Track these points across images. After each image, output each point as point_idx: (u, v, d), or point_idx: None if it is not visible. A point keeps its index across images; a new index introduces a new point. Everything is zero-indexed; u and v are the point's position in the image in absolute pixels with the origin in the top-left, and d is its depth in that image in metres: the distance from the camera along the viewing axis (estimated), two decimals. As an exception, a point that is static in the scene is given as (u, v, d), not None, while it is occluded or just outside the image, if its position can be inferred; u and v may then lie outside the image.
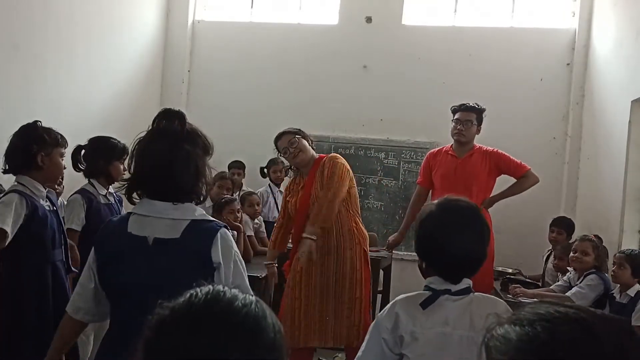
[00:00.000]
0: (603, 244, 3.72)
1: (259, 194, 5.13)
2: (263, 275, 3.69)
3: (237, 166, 5.40)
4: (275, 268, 3.58)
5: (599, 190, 4.66)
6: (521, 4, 5.64)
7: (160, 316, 0.86)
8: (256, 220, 4.77)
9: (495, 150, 4.05)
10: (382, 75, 5.68)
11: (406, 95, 5.59)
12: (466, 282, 1.65)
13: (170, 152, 1.61)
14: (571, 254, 3.64)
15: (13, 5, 4.07)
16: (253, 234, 4.61)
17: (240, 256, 1.67)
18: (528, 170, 4.01)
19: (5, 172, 2.56)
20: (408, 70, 5.61)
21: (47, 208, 2.51)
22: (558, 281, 3.92)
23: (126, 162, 3.19)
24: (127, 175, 3.21)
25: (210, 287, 0.90)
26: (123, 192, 1.68)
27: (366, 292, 3.33)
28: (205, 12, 6.25)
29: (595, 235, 3.75)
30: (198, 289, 0.89)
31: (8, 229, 2.31)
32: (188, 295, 0.88)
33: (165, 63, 6.13)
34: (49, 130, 2.55)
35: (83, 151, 3.13)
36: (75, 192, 3.14)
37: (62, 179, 3.46)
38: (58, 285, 2.52)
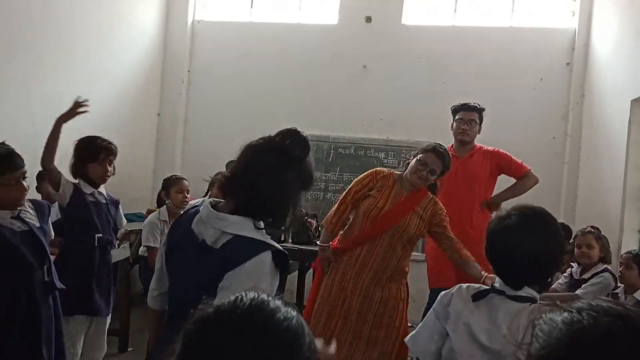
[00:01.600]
0: (602, 233, 3.72)
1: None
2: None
3: None
4: (331, 252, 3.23)
5: (599, 190, 4.66)
6: (521, 3, 5.63)
7: (204, 313, 0.87)
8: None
9: (496, 150, 4.05)
10: (382, 75, 5.68)
11: (406, 95, 5.59)
12: (527, 291, 1.63)
13: (274, 173, 1.59)
14: (576, 250, 3.63)
15: (12, 5, 4.07)
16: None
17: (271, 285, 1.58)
18: (528, 170, 4.00)
19: None
20: (408, 70, 5.61)
21: (17, 229, 2.41)
22: (558, 279, 3.92)
23: (112, 162, 3.14)
24: (110, 175, 3.20)
25: (256, 293, 0.91)
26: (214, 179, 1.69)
27: (405, 323, 3.19)
28: (205, 12, 6.24)
29: (592, 227, 3.75)
30: (243, 293, 0.90)
31: None
32: (234, 298, 0.89)
33: (165, 63, 6.13)
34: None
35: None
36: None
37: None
38: (32, 313, 2.42)
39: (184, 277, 1.60)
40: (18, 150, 2.48)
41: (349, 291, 3.12)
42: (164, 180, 4.39)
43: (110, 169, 3.19)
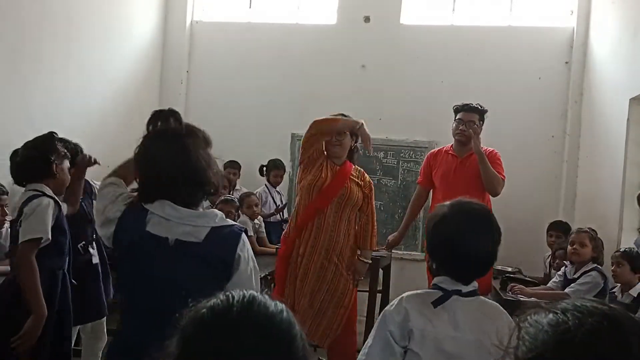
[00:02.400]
0: (598, 236, 3.73)
1: (257, 194, 5.15)
2: (262, 275, 3.69)
3: (233, 166, 5.42)
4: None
5: (598, 188, 4.67)
6: (519, 2, 5.64)
7: (200, 314, 0.88)
8: (256, 221, 4.78)
9: (493, 150, 4.06)
10: (381, 74, 5.68)
11: (405, 94, 5.59)
12: (474, 285, 1.67)
13: (176, 149, 1.63)
14: (569, 247, 3.65)
15: (12, 6, 4.07)
16: (253, 235, 4.61)
17: (255, 263, 1.70)
18: (502, 178, 3.95)
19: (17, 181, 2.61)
20: (406, 69, 5.61)
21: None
22: (553, 277, 3.93)
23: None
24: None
25: (244, 291, 0.91)
26: (134, 200, 1.69)
27: (354, 303, 3.45)
28: (204, 13, 6.25)
29: (590, 228, 3.76)
30: (232, 292, 0.91)
31: (49, 236, 2.38)
32: (225, 297, 0.90)
33: (163, 64, 6.13)
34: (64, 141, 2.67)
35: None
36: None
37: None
38: (63, 291, 2.56)
39: (160, 277, 1.60)
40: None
41: (303, 267, 3.35)
42: None
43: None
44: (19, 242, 2.39)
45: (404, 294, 1.70)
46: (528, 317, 0.84)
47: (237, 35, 6.06)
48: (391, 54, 5.66)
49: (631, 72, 4.10)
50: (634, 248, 3.43)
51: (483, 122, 4.08)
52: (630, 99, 4.04)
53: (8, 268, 2.74)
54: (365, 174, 3.56)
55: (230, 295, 0.90)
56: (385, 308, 1.70)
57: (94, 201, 3.19)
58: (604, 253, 3.69)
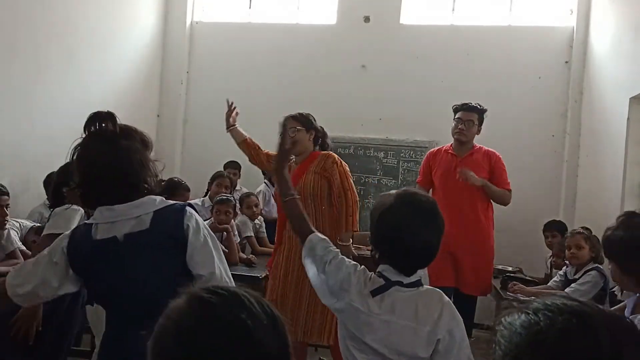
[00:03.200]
0: (593, 234, 3.72)
1: (260, 193, 5.15)
2: (263, 276, 3.69)
3: (233, 166, 5.43)
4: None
5: (598, 188, 4.66)
6: (519, 2, 5.64)
7: (176, 323, 0.86)
8: (257, 221, 4.78)
9: (496, 153, 4.09)
10: (381, 74, 5.68)
11: (405, 94, 5.59)
12: (418, 275, 1.68)
13: (109, 151, 1.65)
14: (566, 252, 3.65)
15: (12, 7, 4.07)
16: (253, 235, 4.61)
17: (210, 232, 1.70)
18: (509, 190, 4.06)
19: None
20: (406, 69, 5.61)
21: None
22: (554, 277, 3.93)
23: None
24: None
25: (215, 286, 0.91)
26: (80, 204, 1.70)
27: None
28: (204, 13, 6.25)
29: (583, 227, 3.76)
30: (202, 288, 0.90)
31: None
32: (198, 294, 0.89)
33: (163, 64, 6.13)
34: None
35: None
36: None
37: None
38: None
39: (120, 278, 1.60)
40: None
41: (283, 270, 3.37)
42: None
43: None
44: (41, 234, 2.49)
45: (361, 267, 1.73)
46: (502, 320, 0.85)
47: (237, 35, 6.06)
48: (391, 54, 5.67)
49: (631, 71, 4.10)
50: None
51: (482, 122, 4.10)
52: (630, 98, 4.04)
53: (9, 269, 2.75)
54: (332, 157, 3.46)
55: (193, 292, 0.89)
56: (349, 263, 1.73)
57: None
58: (601, 249, 3.69)
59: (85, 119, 1.74)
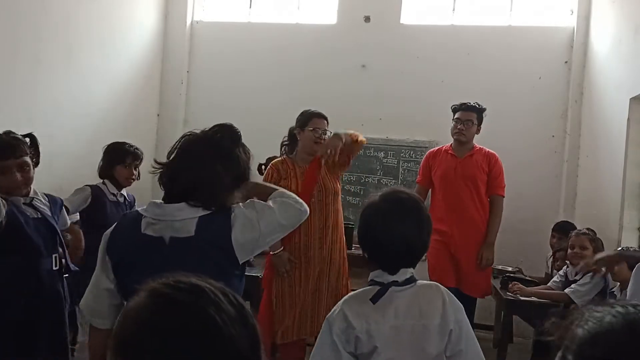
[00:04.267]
0: (597, 236, 3.72)
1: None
2: (263, 275, 3.69)
3: None
4: (287, 256, 3.41)
5: (598, 188, 4.66)
6: (519, 2, 5.63)
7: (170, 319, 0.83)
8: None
9: (495, 155, 4.09)
10: (381, 74, 5.68)
11: (405, 94, 5.59)
12: (409, 272, 1.66)
13: (205, 162, 1.64)
14: (569, 251, 3.65)
15: (12, 7, 4.07)
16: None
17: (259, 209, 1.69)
18: (502, 196, 4.04)
19: None
20: (407, 69, 5.61)
21: (30, 216, 2.50)
22: (554, 277, 3.93)
23: (137, 166, 3.42)
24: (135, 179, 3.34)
25: (182, 283, 0.87)
26: (155, 174, 1.70)
27: (347, 280, 3.53)
28: (204, 13, 6.25)
29: (588, 229, 3.76)
30: (154, 288, 0.86)
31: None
32: (148, 300, 0.85)
33: (164, 64, 6.13)
34: None
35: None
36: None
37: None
38: (36, 300, 2.48)
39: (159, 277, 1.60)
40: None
41: (303, 272, 3.38)
42: None
43: (135, 173, 3.56)
44: None
45: (345, 297, 1.70)
46: (591, 306, 0.82)
47: (238, 35, 6.06)
48: (391, 54, 5.66)
49: (631, 71, 4.10)
50: (630, 247, 3.43)
51: (482, 121, 4.10)
52: (630, 99, 4.04)
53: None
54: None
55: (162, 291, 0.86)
56: (328, 315, 1.67)
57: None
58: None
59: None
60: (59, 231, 2.62)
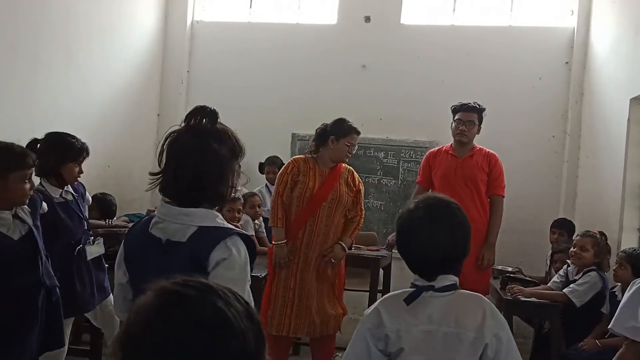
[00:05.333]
0: (607, 242, 3.72)
1: (260, 193, 5.14)
2: (263, 275, 3.70)
3: None
4: (287, 248, 3.53)
5: (599, 188, 4.66)
6: (520, 2, 5.63)
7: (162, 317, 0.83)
8: (257, 221, 4.78)
9: (496, 156, 4.08)
10: (381, 74, 5.67)
11: (405, 94, 5.59)
12: (450, 279, 1.64)
13: (194, 148, 1.61)
14: (571, 249, 3.65)
15: (11, 7, 4.07)
16: (254, 234, 4.61)
17: (248, 272, 1.59)
18: (502, 196, 4.03)
19: None
20: (407, 69, 5.61)
21: (17, 236, 2.44)
22: (554, 277, 3.93)
23: (82, 163, 3.12)
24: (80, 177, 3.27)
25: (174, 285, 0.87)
26: (154, 187, 1.66)
27: (343, 271, 3.70)
28: (204, 13, 6.25)
29: (599, 232, 3.74)
30: (164, 286, 0.86)
31: None
32: (158, 297, 0.85)
33: (164, 64, 6.13)
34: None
35: (38, 145, 3.02)
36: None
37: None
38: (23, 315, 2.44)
39: (151, 279, 1.58)
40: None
41: (299, 269, 3.51)
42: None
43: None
44: None
45: (383, 297, 1.72)
46: None
47: (238, 35, 6.06)
48: (392, 54, 5.66)
49: (632, 72, 4.09)
50: (637, 249, 3.42)
51: (482, 121, 4.10)
52: (630, 99, 4.04)
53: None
54: (355, 173, 3.72)
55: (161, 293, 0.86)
56: (364, 312, 1.71)
57: (84, 197, 3.30)
58: (608, 257, 3.68)
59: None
60: (39, 243, 2.53)
